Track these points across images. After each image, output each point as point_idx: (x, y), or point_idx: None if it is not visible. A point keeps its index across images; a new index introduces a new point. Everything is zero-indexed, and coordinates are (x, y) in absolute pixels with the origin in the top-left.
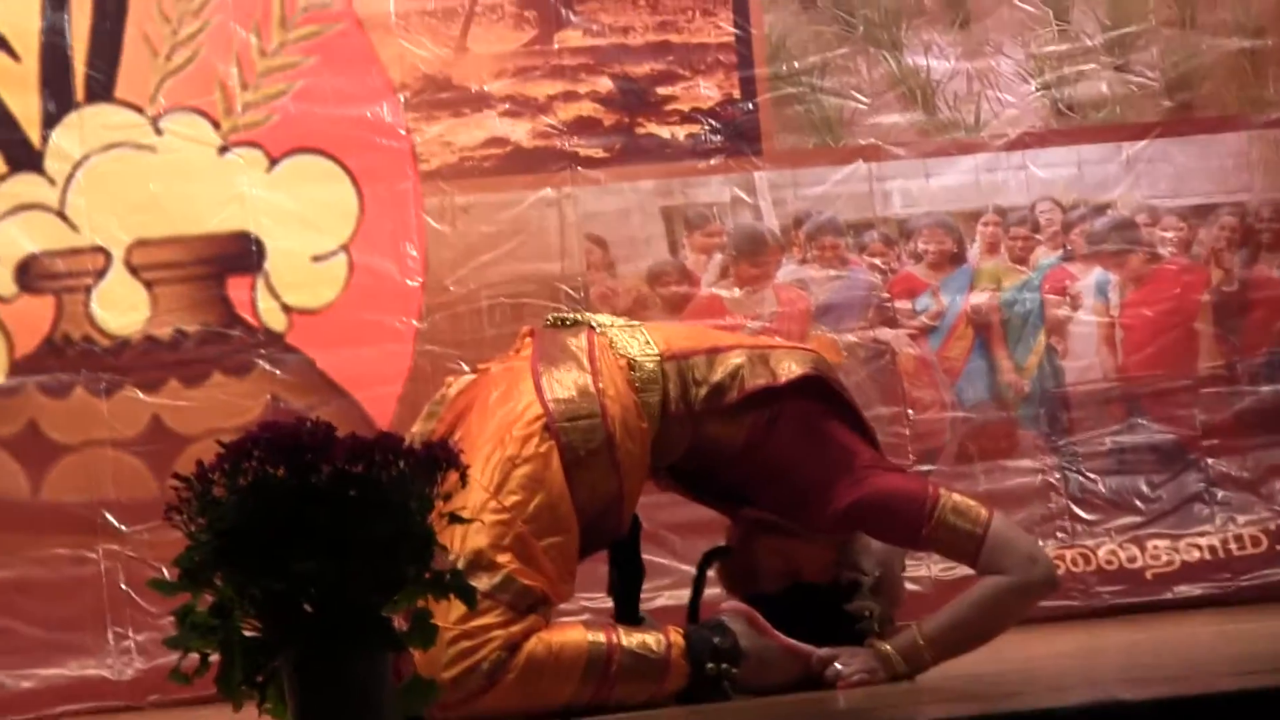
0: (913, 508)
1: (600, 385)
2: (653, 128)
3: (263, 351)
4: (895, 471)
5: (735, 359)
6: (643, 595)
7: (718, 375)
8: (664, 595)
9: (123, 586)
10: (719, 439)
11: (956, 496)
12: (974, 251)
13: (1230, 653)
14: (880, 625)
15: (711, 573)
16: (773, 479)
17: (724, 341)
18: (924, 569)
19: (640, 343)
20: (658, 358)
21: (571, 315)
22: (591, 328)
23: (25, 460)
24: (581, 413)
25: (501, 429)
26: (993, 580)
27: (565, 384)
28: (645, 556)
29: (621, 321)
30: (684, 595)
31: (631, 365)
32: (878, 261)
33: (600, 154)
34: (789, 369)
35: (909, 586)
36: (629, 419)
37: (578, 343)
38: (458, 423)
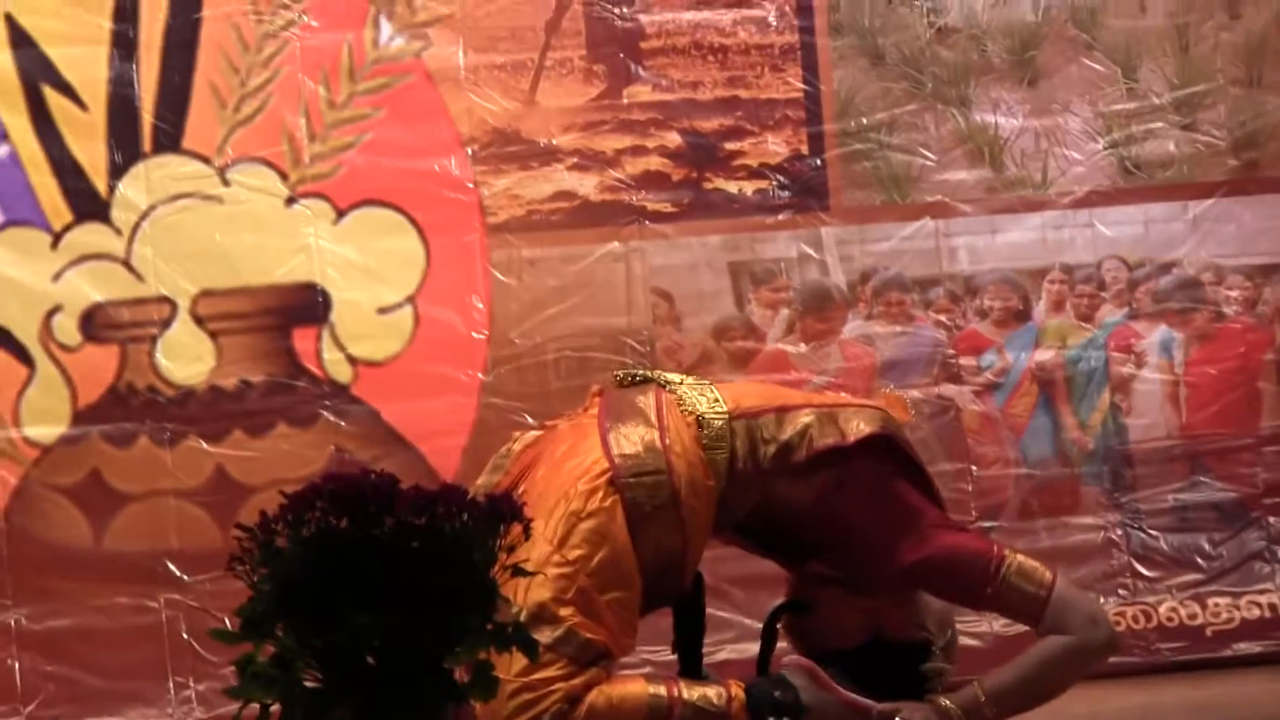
0: (978, 568)
1: (667, 442)
2: (720, 183)
3: (327, 403)
4: (961, 531)
5: (804, 418)
6: (705, 649)
7: (786, 434)
8: (726, 649)
9: (184, 636)
10: (787, 498)
11: (1021, 557)
12: (1039, 309)
13: None
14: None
15: (779, 626)
16: (839, 537)
17: (793, 400)
18: (985, 625)
19: (709, 400)
20: (726, 415)
21: (641, 372)
22: (660, 385)
23: (88, 509)
24: (648, 469)
25: (567, 483)
26: (1055, 640)
27: (632, 440)
28: (708, 610)
29: (690, 380)
30: (746, 649)
31: (700, 422)
32: (943, 318)
33: (668, 208)
34: (858, 428)
35: (969, 642)
36: (695, 476)
37: (645, 400)
38: (523, 476)
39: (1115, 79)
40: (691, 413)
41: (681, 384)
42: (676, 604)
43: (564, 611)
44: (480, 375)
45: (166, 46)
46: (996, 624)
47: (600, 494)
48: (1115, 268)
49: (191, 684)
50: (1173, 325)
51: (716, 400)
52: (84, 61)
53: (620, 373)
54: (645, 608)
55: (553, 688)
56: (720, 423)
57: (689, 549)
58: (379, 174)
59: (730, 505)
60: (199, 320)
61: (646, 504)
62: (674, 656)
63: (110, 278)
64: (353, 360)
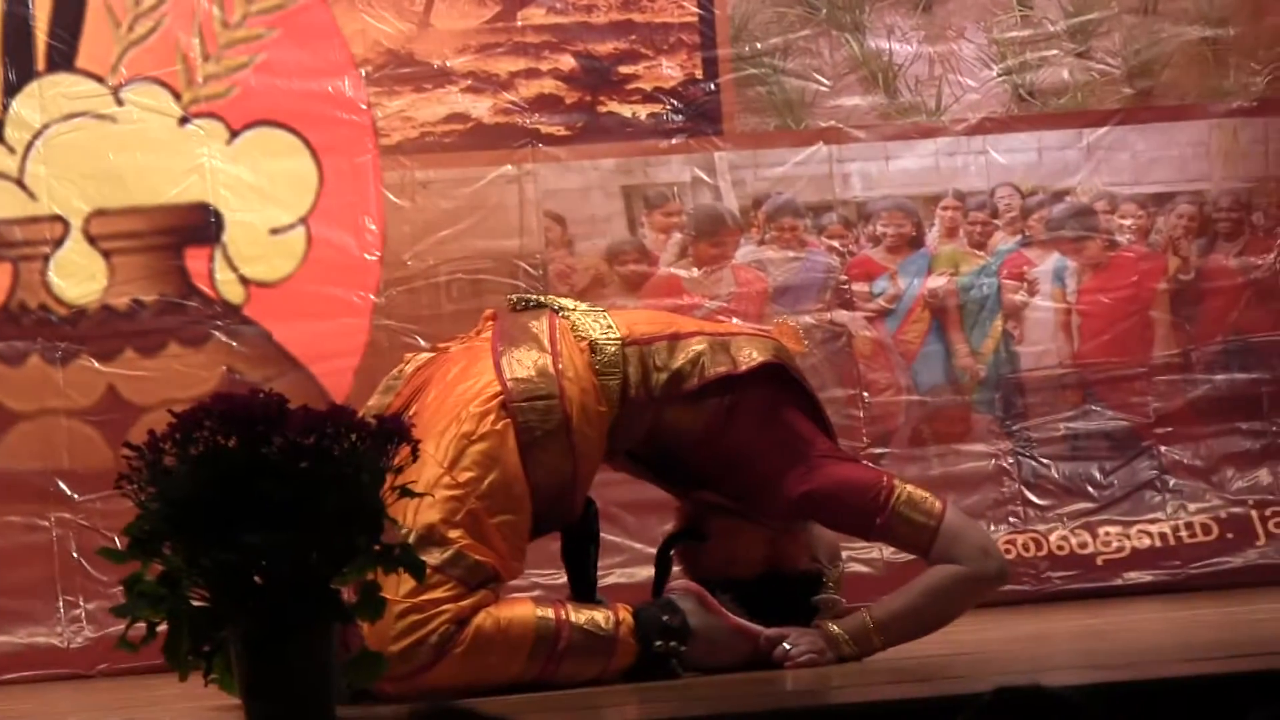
0: (867, 499)
1: (560, 367)
2: (614, 106)
3: (219, 323)
4: (851, 462)
5: (696, 345)
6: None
7: (679, 361)
8: (616, 573)
9: (74, 555)
10: (678, 425)
11: (910, 488)
12: (932, 236)
13: (1177, 640)
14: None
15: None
16: (730, 465)
17: (686, 327)
18: (875, 552)
19: (602, 326)
20: (619, 342)
21: (534, 297)
22: (554, 310)
23: None
24: (539, 393)
25: (458, 405)
26: (945, 569)
27: (525, 364)
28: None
29: (584, 305)
30: (636, 573)
31: (593, 348)
32: (836, 244)
33: (561, 132)
34: (750, 356)
35: (859, 569)
36: (587, 402)
37: (539, 324)
38: (414, 398)
39: (1010, 5)
40: (585, 338)
41: (575, 310)
42: (566, 528)
43: (453, 534)
44: (372, 297)
45: None
46: (887, 551)
47: (492, 417)
48: (1008, 195)
49: (81, 603)
50: (1066, 253)
51: (610, 327)
52: None
53: (514, 297)
54: (535, 532)
55: (441, 609)
56: (613, 349)
57: (579, 474)
58: (272, 95)
59: (622, 432)
60: (91, 239)
61: (538, 428)
62: (564, 580)
63: (3, 196)
64: (245, 281)
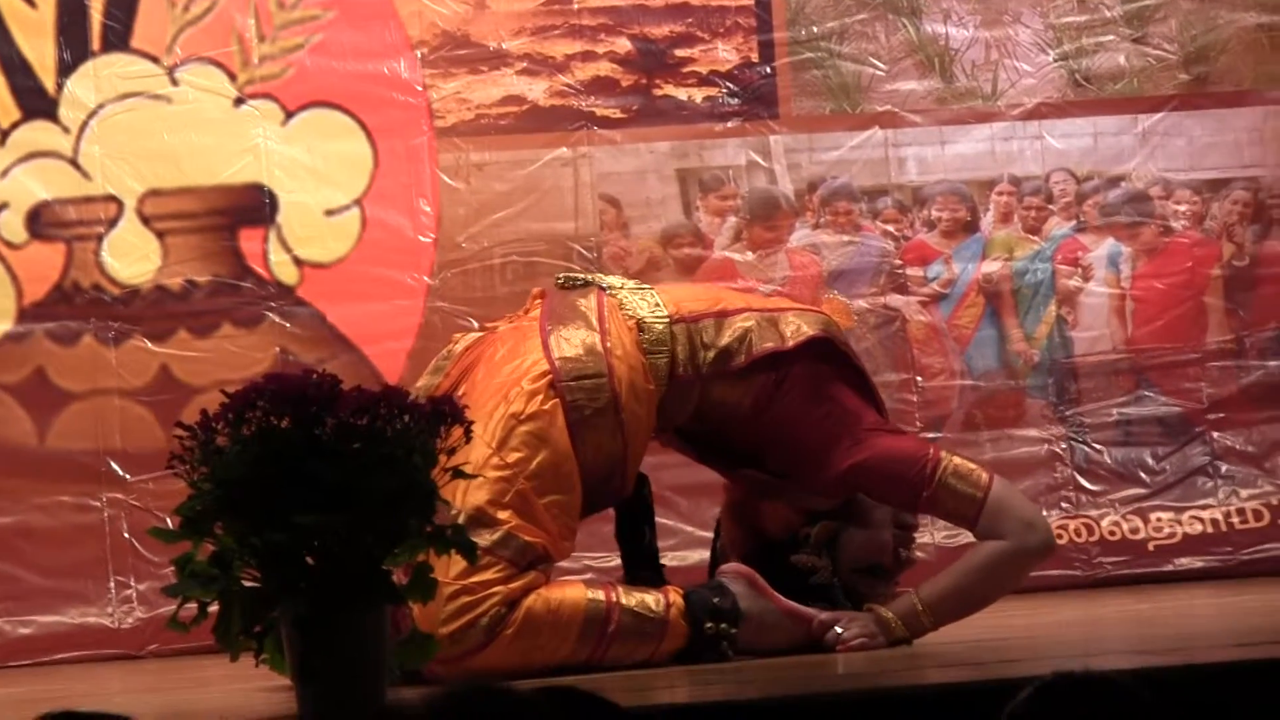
0: (914, 471)
1: (608, 345)
2: (670, 89)
3: (273, 304)
4: (898, 434)
5: (744, 322)
6: None
7: (726, 339)
8: (668, 556)
9: (125, 535)
10: (726, 401)
11: (958, 460)
12: (987, 220)
13: (1227, 625)
14: (869, 575)
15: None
16: (777, 441)
17: (733, 304)
18: (927, 536)
19: (649, 304)
20: (667, 320)
21: (582, 276)
22: (601, 289)
23: (31, 407)
24: (588, 372)
25: (507, 385)
26: (990, 545)
27: (573, 343)
28: None
29: (632, 283)
30: (688, 556)
31: (640, 327)
32: (891, 228)
33: (617, 114)
34: (798, 331)
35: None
36: (636, 380)
37: (587, 303)
38: (463, 378)
39: None
40: (632, 316)
41: (623, 288)
42: (620, 506)
43: (502, 514)
44: (426, 279)
45: None
46: (939, 534)
47: (540, 397)
48: (1063, 180)
49: (133, 583)
50: (1120, 239)
51: (657, 304)
52: None
53: (562, 276)
54: (586, 511)
55: (491, 590)
56: (661, 327)
57: (629, 453)
58: (328, 76)
59: (670, 409)
60: (145, 220)
61: (587, 407)
62: (616, 562)
63: (57, 176)
64: (299, 262)
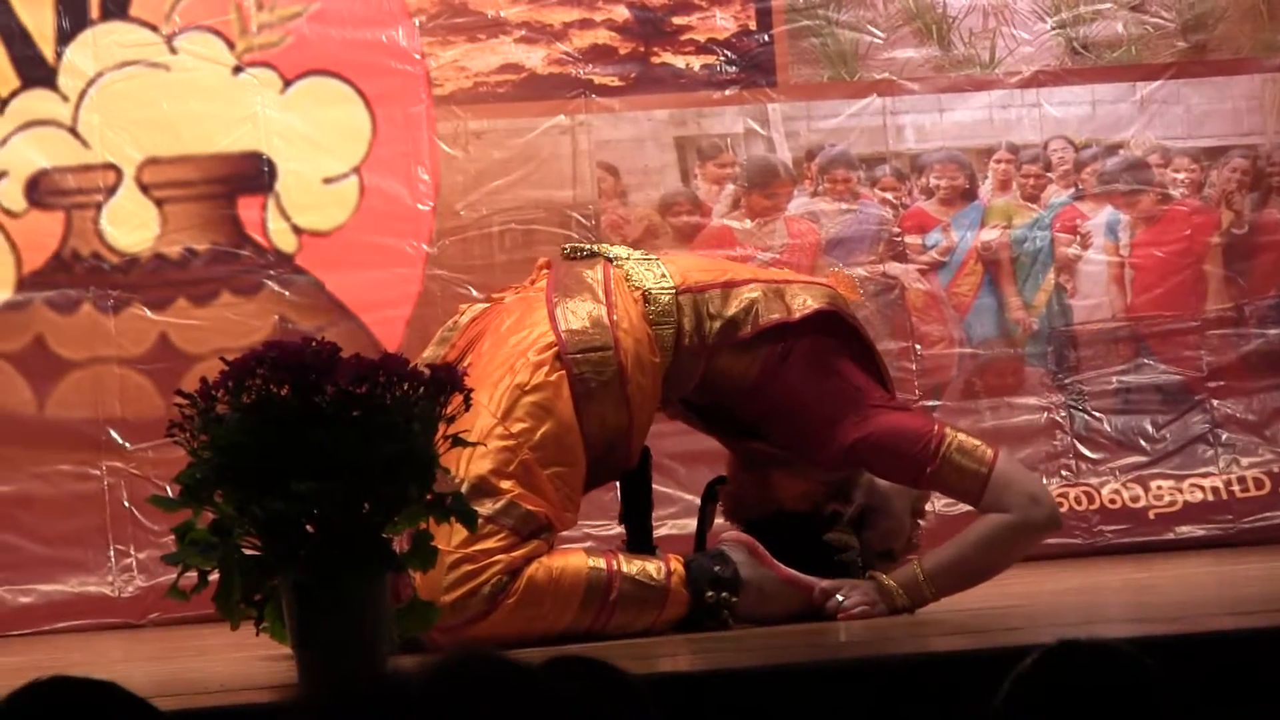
0: (918, 447)
1: (614, 317)
2: (668, 57)
3: (272, 272)
4: (903, 410)
5: (750, 293)
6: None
7: (732, 309)
8: (668, 524)
9: (125, 504)
10: (732, 373)
11: (962, 435)
12: (986, 188)
13: (1228, 593)
14: (883, 559)
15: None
16: (783, 414)
17: (740, 275)
18: (928, 505)
19: (656, 275)
20: (673, 291)
21: (588, 247)
22: (608, 260)
23: (31, 375)
24: (594, 344)
25: (513, 356)
26: (995, 518)
27: (579, 315)
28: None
29: (638, 254)
30: (688, 524)
31: (646, 298)
32: (889, 196)
33: (615, 82)
34: (804, 304)
35: None
36: (642, 352)
37: (593, 274)
38: (469, 349)
39: None
40: (638, 288)
41: (629, 259)
42: (624, 478)
43: (505, 484)
44: (425, 247)
45: None
46: (940, 503)
47: (546, 368)
48: (1062, 148)
49: (132, 552)
50: (1119, 206)
51: (663, 275)
52: None
53: (568, 246)
54: (590, 483)
55: (493, 559)
56: (667, 298)
57: (634, 425)
58: (326, 44)
59: (676, 381)
60: (144, 188)
61: (593, 380)
62: (617, 530)
63: (56, 144)
64: (297, 230)
